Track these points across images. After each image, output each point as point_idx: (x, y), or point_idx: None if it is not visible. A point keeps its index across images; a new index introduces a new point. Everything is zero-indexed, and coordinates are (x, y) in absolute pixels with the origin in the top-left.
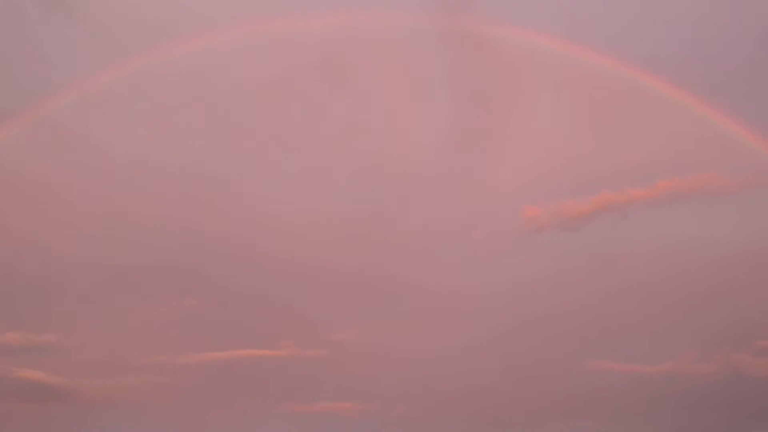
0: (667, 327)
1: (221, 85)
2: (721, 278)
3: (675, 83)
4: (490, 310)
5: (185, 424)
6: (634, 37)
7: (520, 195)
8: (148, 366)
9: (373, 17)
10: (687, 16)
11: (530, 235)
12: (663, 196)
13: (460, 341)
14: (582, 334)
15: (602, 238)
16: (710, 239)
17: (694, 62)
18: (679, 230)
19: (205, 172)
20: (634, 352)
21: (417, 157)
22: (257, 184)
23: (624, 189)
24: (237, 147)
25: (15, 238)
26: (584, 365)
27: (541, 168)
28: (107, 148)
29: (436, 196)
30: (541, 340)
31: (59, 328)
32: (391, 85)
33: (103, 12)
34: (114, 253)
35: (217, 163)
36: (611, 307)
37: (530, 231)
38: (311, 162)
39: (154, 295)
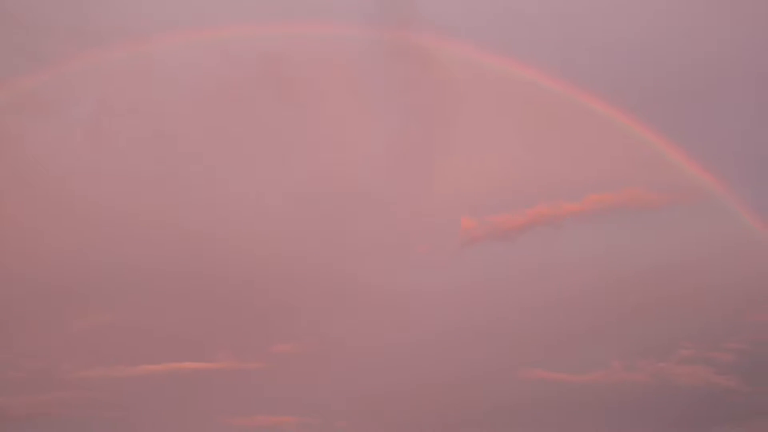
0: (596, 336)
1: (161, 91)
2: (647, 289)
3: (608, 103)
4: (425, 320)
5: None
6: (571, 56)
7: (458, 207)
8: (79, 381)
9: (317, 28)
10: (623, 39)
11: (467, 246)
12: (593, 209)
13: (399, 351)
14: (514, 343)
15: (536, 250)
16: (637, 252)
17: (628, 83)
18: (608, 243)
19: (141, 179)
20: (565, 361)
21: (359, 168)
22: (196, 192)
23: (557, 202)
24: (176, 154)
25: None
26: (516, 373)
27: (479, 182)
28: (41, 153)
29: (376, 208)
30: (475, 348)
31: None
32: (333, 97)
33: (41, 16)
34: (42, 262)
35: (154, 170)
36: (543, 317)
37: (467, 242)
38: (252, 173)
39: (85, 306)
